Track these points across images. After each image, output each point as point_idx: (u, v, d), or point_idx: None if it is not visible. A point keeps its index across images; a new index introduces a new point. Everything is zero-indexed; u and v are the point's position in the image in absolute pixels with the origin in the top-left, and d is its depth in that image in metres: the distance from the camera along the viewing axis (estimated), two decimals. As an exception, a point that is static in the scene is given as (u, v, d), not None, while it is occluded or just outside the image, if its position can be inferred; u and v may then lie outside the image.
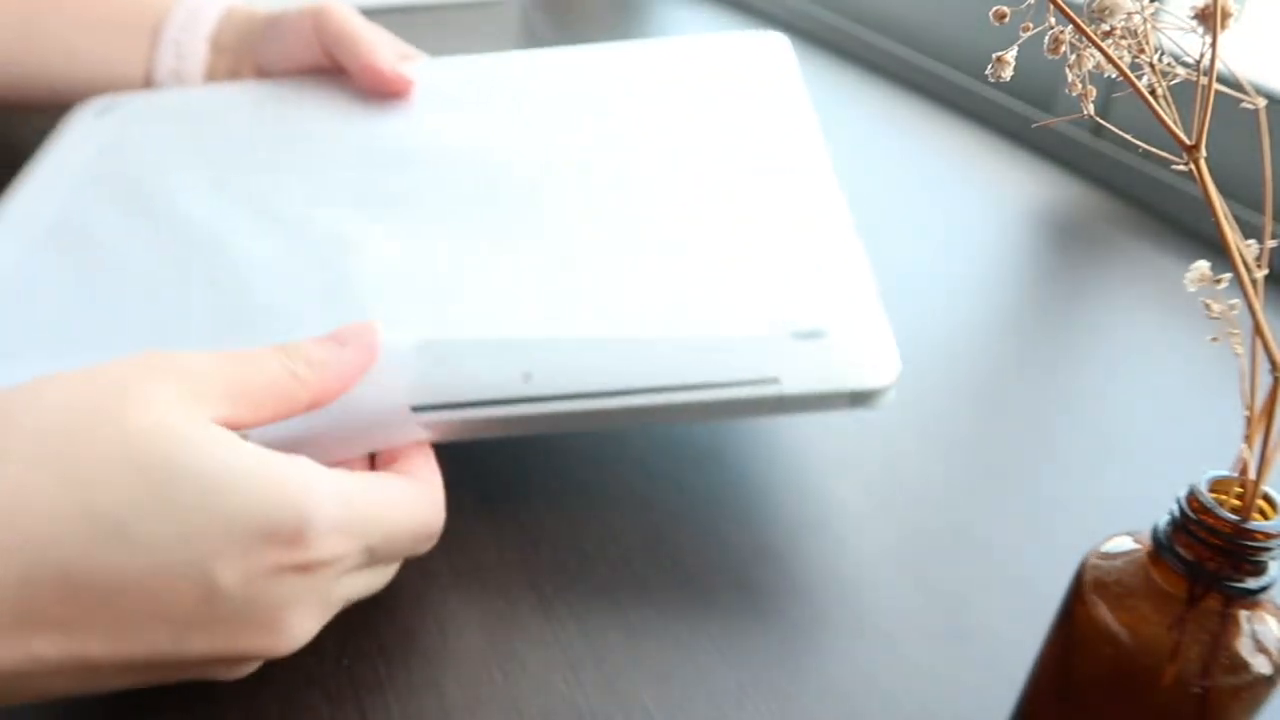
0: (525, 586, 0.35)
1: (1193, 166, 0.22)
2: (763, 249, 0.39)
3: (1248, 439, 0.23)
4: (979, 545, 0.37)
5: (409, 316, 0.37)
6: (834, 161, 0.44)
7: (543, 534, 0.37)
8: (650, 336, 0.35)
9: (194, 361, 0.28)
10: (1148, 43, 0.21)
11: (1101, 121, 0.25)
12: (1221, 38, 0.20)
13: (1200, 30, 0.21)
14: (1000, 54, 0.23)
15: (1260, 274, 0.22)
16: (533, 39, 0.88)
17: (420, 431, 0.34)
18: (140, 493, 0.25)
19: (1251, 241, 0.22)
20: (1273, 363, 0.22)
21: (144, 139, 0.50)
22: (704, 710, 0.31)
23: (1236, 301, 0.23)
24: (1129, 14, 0.21)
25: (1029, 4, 0.23)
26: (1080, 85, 0.22)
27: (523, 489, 0.39)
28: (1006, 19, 0.22)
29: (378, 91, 0.50)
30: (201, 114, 0.51)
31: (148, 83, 0.55)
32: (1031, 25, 0.22)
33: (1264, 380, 0.22)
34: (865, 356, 0.34)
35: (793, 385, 0.34)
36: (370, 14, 0.54)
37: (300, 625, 0.28)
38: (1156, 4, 0.21)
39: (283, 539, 0.26)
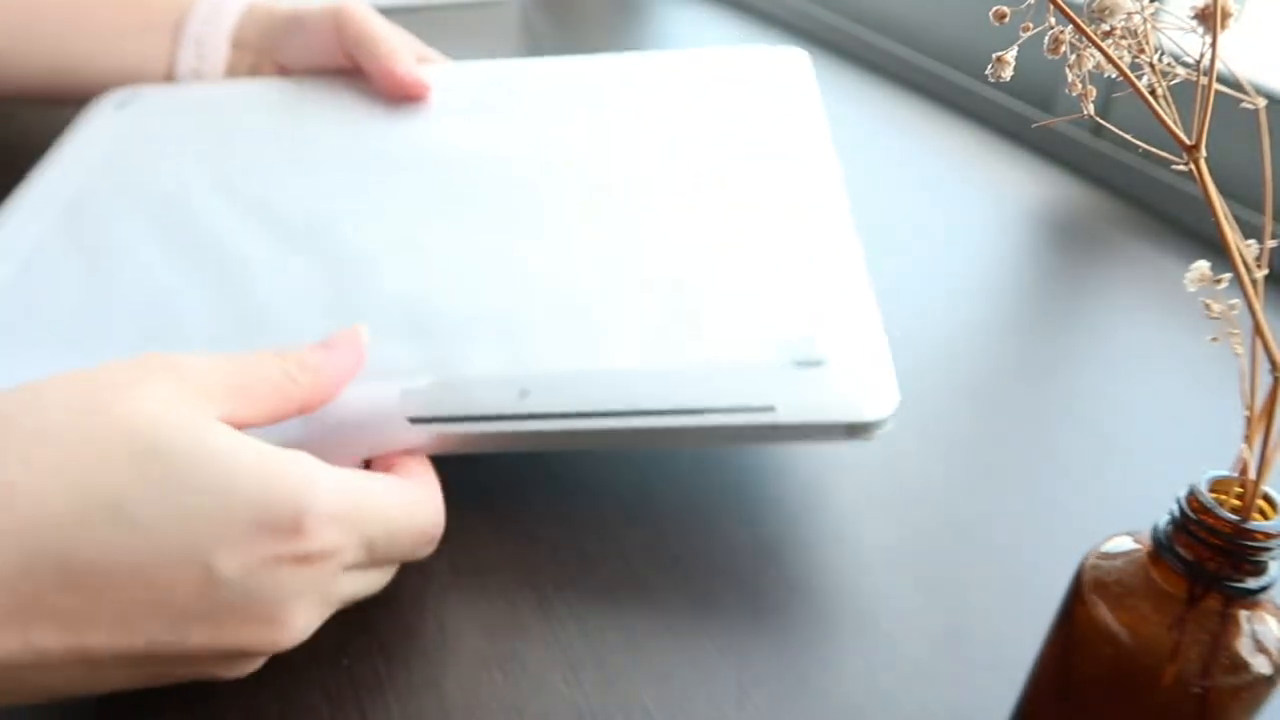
0: (525, 586, 0.35)
1: (1193, 166, 0.22)
2: (768, 274, 0.38)
3: (1248, 439, 0.23)
4: (979, 545, 0.37)
5: (411, 330, 0.37)
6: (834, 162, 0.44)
7: (543, 534, 0.37)
8: (649, 358, 0.35)
9: (191, 362, 0.29)
10: (1148, 43, 0.21)
11: (1101, 121, 0.25)
12: (1221, 38, 0.20)
13: (1200, 30, 0.21)
14: (1000, 54, 0.23)
15: (1260, 274, 0.22)
16: (533, 39, 0.88)
17: (416, 443, 0.34)
18: (139, 479, 0.25)
19: (1251, 241, 0.22)
20: (1273, 363, 0.22)
21: (161, 133, 0.50)
22: (704, 710, 0.31)
23: (1236, 301, 0.23)
24: (1129, 14, 0.21)
25: (1029, 4, 0.23)
26: (1080, 85, 0.22)
27: (523, 489, 0.39)
28: (1006, 19, 0.22)
29: (395, 95, 0.50)
30: (219, 110, 0.51)
31: (169, 78, 0.55)
32: (1031, 25, 0.22)
33: (1264, 380, 0.22)
34: (863, 388, 0.34)
35: (788, 415, 0.33)
36: (371, 14, 0.54)
37: (300, 619, 0.27)
38: (1156, 4, 0.21)
39: (281, 528, 0.26)
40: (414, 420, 0.33)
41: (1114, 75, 0.21)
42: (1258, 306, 0.22)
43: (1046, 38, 0.22)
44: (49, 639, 0.25)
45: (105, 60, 0.55)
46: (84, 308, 0.39)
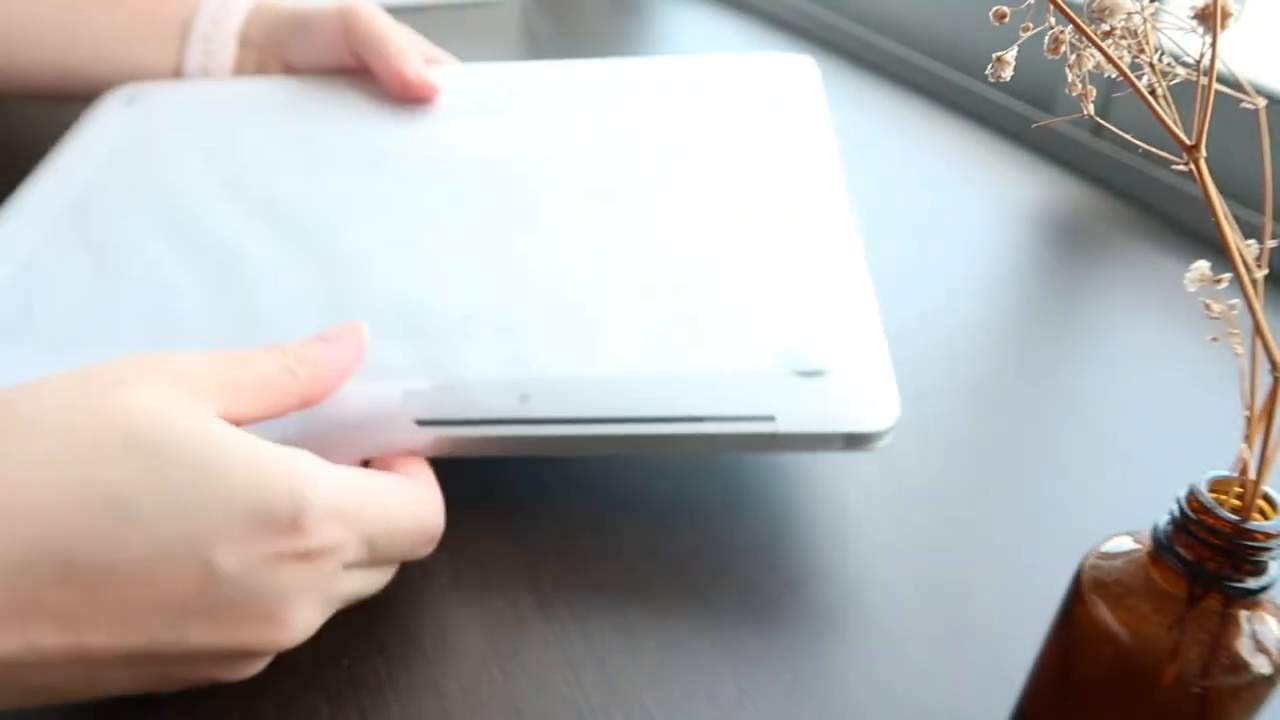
0: (525, 586, 0.35)
1: (1193, 166, 0.22)
2: (770, 282, 0.38)
3: (1248, 439, 0.23)
4: (979, 545, 0.37)
5: (413, 331, 0.37)
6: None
7: (543, 534, 0.37)
8: (650, 364, 0.35)
9: (186, 360, 0.29)
10: (1148, 43, 0.21)
11: (1101, 121, 0.25)
12: (1221, 38, 0.20)
13: (1200, 30, 0.21)
14: (1000, 54, 0.23)
15: (1260, 274, 0.22)
16: (533, 39, 0.88)
17: (415, 444, 0.34)
18: (138, 473, 0.25)
19: (1251, 241, 0.22)
20: (1273, 363, 0.22)
21: (168, 130, 0.50)
22: (704, 710, 0.31)
23: (1236, 301, 0.23)
24: (1129, 14, 0.21)
25: (1029, 4, 0.23)
26: (1080, 85, 0.22)
27: (523, 489, 0.39)
28: (1006, 19, 0.22)
29: (403, 96, 0.50)
30: (227, 108, 0.51)
31: (177, 76, 0.56)
32: (1031, 25, 0.22)
33: (1264, 380, 0.22)
34: (864, 399, 0.34)
35: (788, 424, 0.33)
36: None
37: (301, 617, 0.27)
38: (1156, 4, 0.21)
39: (281, 524, 0.26)
40: (422, 423, 0.33)
41: (1114, 75, 0.21)
42: (1258, 306, 0.22)
43: (1046, 38, 0.22)
44: (49, 637, 0.25)
45: (113, 58, 0.55)
46: (89, 305, 0.39)
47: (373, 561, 0.30)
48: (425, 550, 0.32)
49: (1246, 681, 0.23)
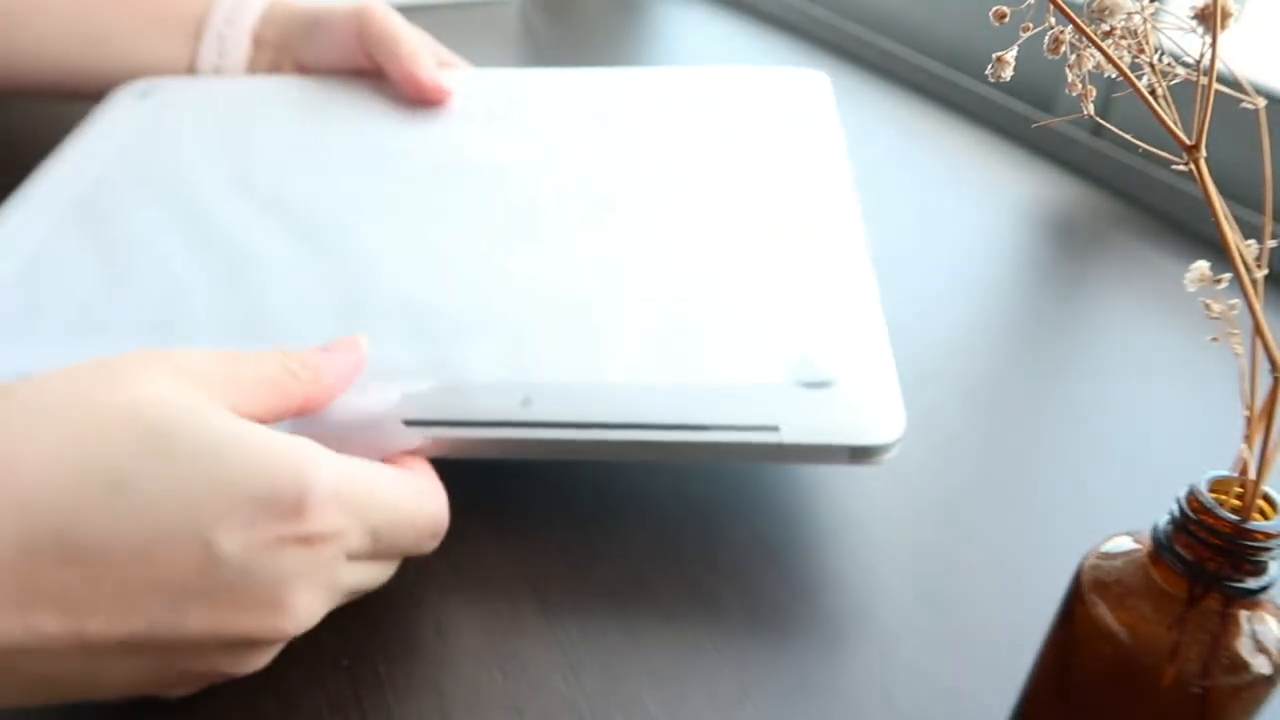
0: (525, 586, 0.35)
1: (1193, 166, 0.22)
2: (778, 293, 0.38)
3: (1248, 439, 0.23)
4: (979, 546, 0.37)
5: (416, 332, 0.37)
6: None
7: (543, 534, 0.37)
8: (654, 372, 0.35)
9: (192, 357, 0.29)
10: (1148, 43, 0.21)
11: (1101, 121, 0.25)
12: (1221, 38, 0.20)
13: (1200, 30, 0.21)
14: (1000, 54, 0.23)
15: (1260, 274, 0.22)
16: (533, 39, 0.88)
17: (415, 445, 0.34)
18: (139, 455, 0.25)
19: (1251, 241, 0.22)
20: (1273, 363, 0.22)
21: (180, 126, 0.50)
22: (704, 710, 0.31)
23: (1236, 301, 0.23)
24: (1129, 14, 0.21)
25: (1029, 4, 0.23)
26: (1080, 85, 0.22)
27: (523, 489, 0.39)
28: (1006, 19, 0.22)
29: (416, 99, 0.50)
30: (238, 105, 0.52)
31: (189, 74, 0.56)
32: (1031, 25, 0.22)
33: (1264, 380, 0.22)
34: (869, 411, 0.34)
35: (792, 435, 0.33)
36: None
37: (302, 603, 0.27)
38: (1156, 4, 0.21)
39: (283, 508, 0.26)
40: (414, 423, 0.33)
41: (1114, 75, 0.21)
42: (1258, 306, 0.22)
43: (1046, 38, 0.22)
44: (49, 622, 0.24)
45: (126, 56, 0.55)
46: (97, 299, 0.39)
47: (376, 553, 0.30)
48: (430, 545, 0.32)
49: (1246, 681, 0.23)
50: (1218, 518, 0.22)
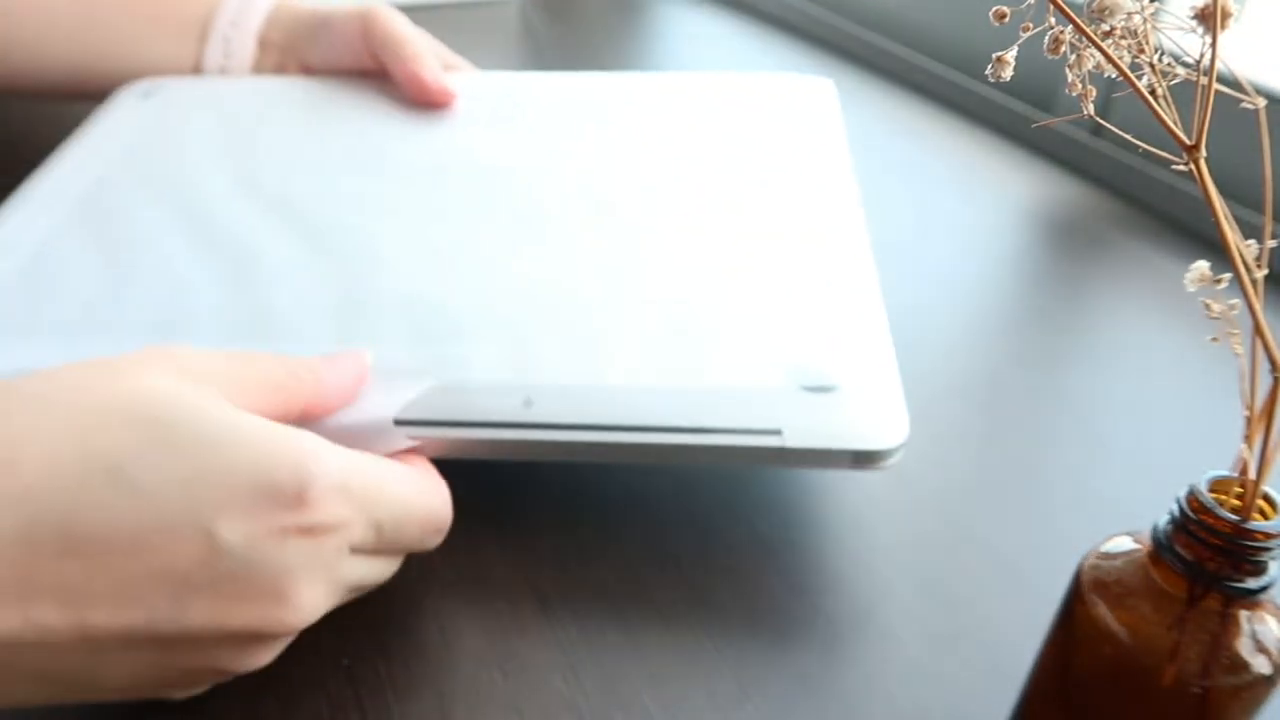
0: (525, 586, 0.35)
1: (1193, 166, 0.22)
2: (782, 297, 0.38)
3: (1248, 439, 0.23)
4: (979, 545, 0.37)
5: (418, 333, 0.37)
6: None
7: (543, 534, 0.37)
8: (657, 375, 0.35)
9: (196, 355, 0.29)
10: (1148, 43, 0.21)
11: (1101, 121, 0.25)
12: (1221, 38, 0.20)
13: (1200, 30, 0.21)
14: (1000, 54, 0.23)
15: (1260, 274, 0.22)
16: (533, 39, 0.88)
17: (418, 445, 0.34)
18: (141, 444, 0.25)
19: (1251, 241, 0.22)
20: (1273, 363, 0.22)
21: (184, 126, 0.50)
22: (704, 710, 0.31)
23: (1236, 301, 0.23)
24: (1129, 14, 0.21)
25: (1029, 4, 0.23)
26: (1080, 85, 0.22)
27: (523, 489, 0.39)
28: (1006, 19, 0.22)
29: (421, 101, 0.50)
30: (243, 105, 0.52)
31: (195, 74, 0.56)
32: (1031, 25, 0.22)
33: (1264, 380, 0.22)
34: (873, 416, 0.34)
35: (795, 439, 0.33)
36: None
37: (305, 596, 0.27)
38: (1156, 4, 0.21)
39: (285, 498, 0.26)
40: (415, 423, 0.33)
41: (1114, 75, 0.21)
42: (1258, 306, 0.22)
43: (1046, 38, 0.22)
44: (49, 614, 0.24)
45: (131, 56, 0.55)
46: (100, 297, 0.39)
47: (379, 547, 0.30)
48: (433, 541, 0.32)
49: (1246, 681, 0.23)
50: (1218, 518, 0.22)
